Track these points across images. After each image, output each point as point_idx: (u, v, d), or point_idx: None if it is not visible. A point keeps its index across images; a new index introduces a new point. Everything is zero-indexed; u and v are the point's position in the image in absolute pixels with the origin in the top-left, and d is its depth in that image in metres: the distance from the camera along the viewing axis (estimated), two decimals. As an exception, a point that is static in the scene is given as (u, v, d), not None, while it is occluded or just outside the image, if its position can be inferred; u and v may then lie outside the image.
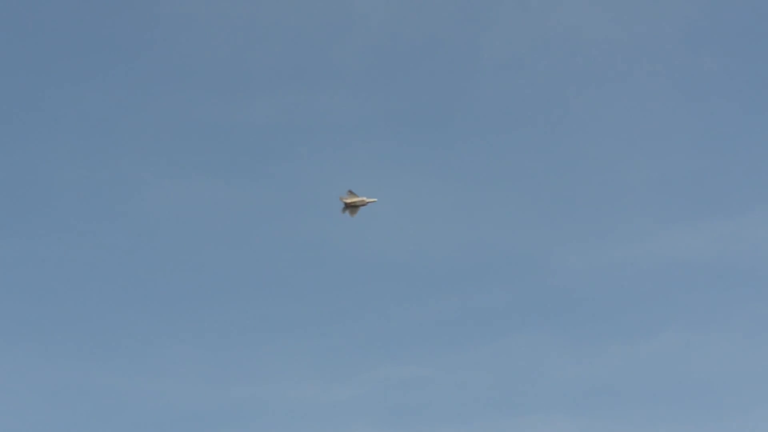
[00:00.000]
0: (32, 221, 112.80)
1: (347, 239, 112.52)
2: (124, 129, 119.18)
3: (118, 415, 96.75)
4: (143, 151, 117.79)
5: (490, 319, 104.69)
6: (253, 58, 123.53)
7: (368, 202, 71.30)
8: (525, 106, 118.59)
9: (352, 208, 70.68)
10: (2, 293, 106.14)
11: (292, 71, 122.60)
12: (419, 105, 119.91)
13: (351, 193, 70.18)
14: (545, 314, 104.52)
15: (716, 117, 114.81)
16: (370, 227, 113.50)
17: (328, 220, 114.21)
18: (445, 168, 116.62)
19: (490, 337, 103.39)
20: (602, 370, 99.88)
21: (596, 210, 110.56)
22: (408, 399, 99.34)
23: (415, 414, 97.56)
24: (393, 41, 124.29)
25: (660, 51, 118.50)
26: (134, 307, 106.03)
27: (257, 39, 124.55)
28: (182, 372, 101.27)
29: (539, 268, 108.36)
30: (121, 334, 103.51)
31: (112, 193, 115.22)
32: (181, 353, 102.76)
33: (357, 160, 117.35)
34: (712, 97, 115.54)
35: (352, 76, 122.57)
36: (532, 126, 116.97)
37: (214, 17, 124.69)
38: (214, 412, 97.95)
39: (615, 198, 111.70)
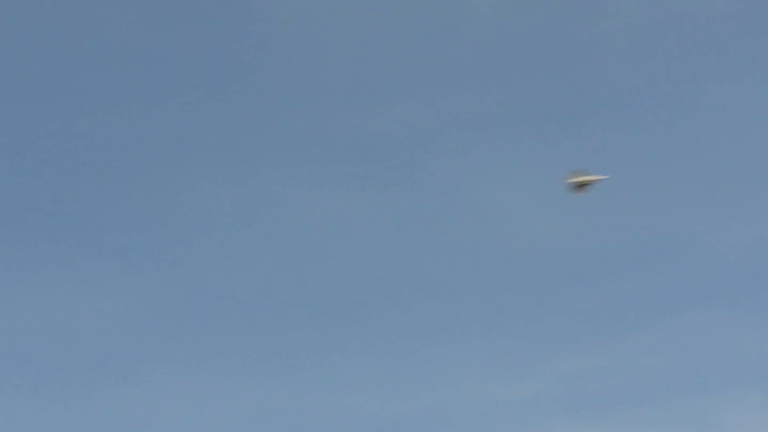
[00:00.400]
0: (178, 248, 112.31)
1: (496, 237, 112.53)
2: (255, 145, 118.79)
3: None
4: (278, 167, 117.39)
5: (655, 304, 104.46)
6: (371, 63, 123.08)
7: (597, 180, 70.29)
8: (652, 91, 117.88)
9: (581, 187, 69.73)
10: (165, 324, 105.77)
11: (414, 74, 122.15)
12: (546, 98, 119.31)
13: (580, 171, 69.35)
14: (712, 292, 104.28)
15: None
16: (514, 225, 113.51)
17: (471, 220, 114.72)
18: (570, 162, 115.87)
19: (658, 320, 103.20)
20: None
21: (748, 184, 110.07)
22: (589, 389, 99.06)
23: (599, 403, 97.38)
24: (510, 33, 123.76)
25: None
26: (296, 322, 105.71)
27: (372, 44, 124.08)
28: (355, 383, 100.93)
29: (699, 247, 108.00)
30: (287, 349, 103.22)
31: (253, 211, 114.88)
32: (350, 364, 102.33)
33: (490, 157, 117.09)
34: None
35: (474, 74, 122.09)
36: (665, 110, 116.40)
37: (324, 25, 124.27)
38: (397, 423, 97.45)
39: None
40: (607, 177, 71.76)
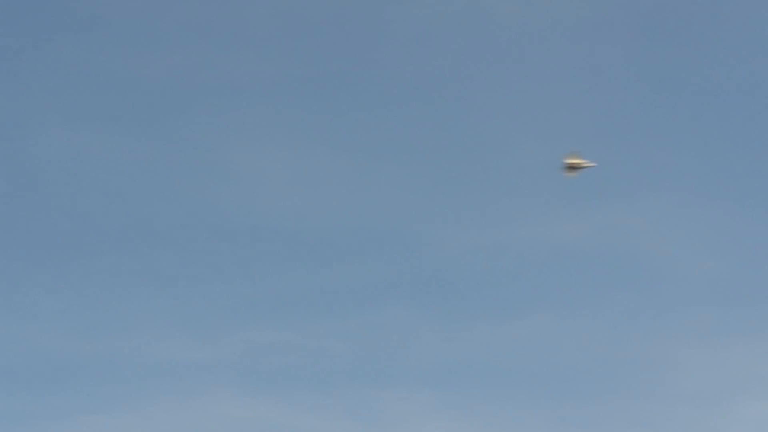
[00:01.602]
0: None
1: (233, 201, 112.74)
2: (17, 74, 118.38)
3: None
4: (38, 97, 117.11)
5: (363, 291, 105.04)
6: (156, 8, 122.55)
7: (587, 166, 74.23)
8: (428, 81, 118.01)
9: (572, 169, 73.83)
10: None
11: (200, 27, 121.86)
12: (326, 72, 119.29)
13: (575, 155, 73.33)
14: (419, 290, 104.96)
15: (612, 107, 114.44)
16: (259, 192, 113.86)
17: (217, 180, 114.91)
18: (341, 137, 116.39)
19: (360, 308, 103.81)
20: (469, 349, 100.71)
21: (483, 191, 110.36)
22: (271, 364, 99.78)
23: (278, 379, 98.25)
24: (305, 4, 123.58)
25: (566, 37, 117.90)
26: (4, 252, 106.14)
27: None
28: (49, 319, 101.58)
29: (419, 244, 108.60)
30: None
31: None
32: (50, 301, 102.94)
33: (253, 122, 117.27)
34: (609, 86, 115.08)
35: (260, 38, 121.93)
36: (431, 102, 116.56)
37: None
38: (75, 361, 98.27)
39: (504, 180, 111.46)
40: (595, 165, 73.77)
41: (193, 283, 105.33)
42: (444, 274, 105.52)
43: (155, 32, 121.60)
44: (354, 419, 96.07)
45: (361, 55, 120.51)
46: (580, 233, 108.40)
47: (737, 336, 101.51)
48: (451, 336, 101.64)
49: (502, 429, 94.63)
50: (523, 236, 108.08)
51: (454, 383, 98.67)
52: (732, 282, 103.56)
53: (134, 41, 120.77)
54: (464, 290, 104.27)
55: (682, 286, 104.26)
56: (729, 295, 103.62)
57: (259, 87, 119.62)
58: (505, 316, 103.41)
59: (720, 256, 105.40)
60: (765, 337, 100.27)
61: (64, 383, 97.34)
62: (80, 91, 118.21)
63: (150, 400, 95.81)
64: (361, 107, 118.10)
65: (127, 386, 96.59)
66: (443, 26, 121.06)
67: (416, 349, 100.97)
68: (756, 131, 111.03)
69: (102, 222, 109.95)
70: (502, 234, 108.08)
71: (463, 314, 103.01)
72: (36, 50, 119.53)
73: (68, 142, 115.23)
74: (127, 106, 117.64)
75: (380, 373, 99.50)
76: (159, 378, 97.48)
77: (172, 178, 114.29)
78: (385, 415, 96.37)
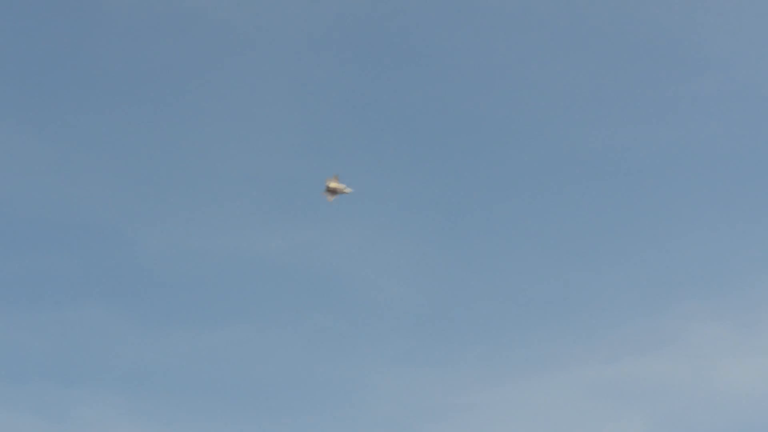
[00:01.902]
0: None
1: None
2: None
3: None
4: None
5: (60, 286, 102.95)
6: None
7: (345, 192, 75.01)
8: (145, 83, 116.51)
9: (332, 192, 74.70)
10: None
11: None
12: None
13: (335, 178, 74.21)
14: (120, 290, 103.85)
15: (326, 121, 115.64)
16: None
17: None
18: (53, 128, 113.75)
19: (56, 303, 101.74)
20: (166, 354, 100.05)
21: (193, 197, 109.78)
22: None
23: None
24: None
25: (287, 49, 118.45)
26: None
27: None
28: None
29: (123, 243, 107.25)
30: None
31: None
32: None
33: None
34: (323, 105, 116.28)
35: None
36: (148, 104, 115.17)
37: None
38: None
39: (213, 189, 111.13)
40: (352, 191, 73.94)
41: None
42: (146, 277, 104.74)
43: None
44: (40, 417, 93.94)
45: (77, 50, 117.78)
46: (283, 248, 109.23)
47: (427, 363, 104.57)
48: (149, 340, 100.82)
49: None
50: (228, 246, 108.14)
51: (147, 388, 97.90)
52: (426, 312, 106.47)
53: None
54: (166, 294, 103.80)
55: (379, 310, 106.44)
56: (422, 324, 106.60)
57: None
58: (204, 325, 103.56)
59: (416, 285, 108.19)
60: (452, 365, 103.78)
61: None
62: None
63: None
64: (73, 103, 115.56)
65: None
66: (155, 26, 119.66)
67: (111, 349, 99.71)
68: (459, 163, 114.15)
69: None
70: (207, 241, 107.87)
71: (163, 319, 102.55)
72: None
73: None
74: None
75: (71, 372, 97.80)
76: None
77: None
78: (73, 415, 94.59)
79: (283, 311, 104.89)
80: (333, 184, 74.80)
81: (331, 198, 75.89)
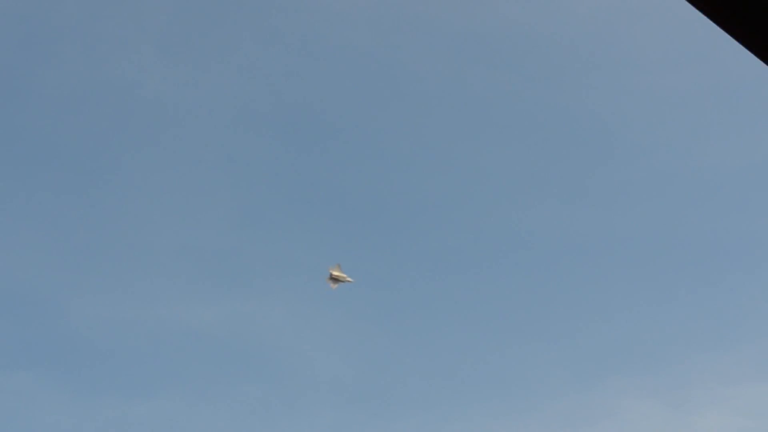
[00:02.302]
0: None
1: None
2: None
3: None
4: None
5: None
6: None
7: (348, 281, 76.75)
8: (78, 153, 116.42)
9: (334, 281, 76.37)
10: None
11: None
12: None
13: (338, 267, 76.24)
14: (48, 358, 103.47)
15: (257, 195, 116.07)
16: None
17: None
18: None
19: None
20: (92, 426, 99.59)
21: (122, 268, 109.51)
22: None
23: None
24: None
25: (218, 122, 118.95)
26: None
27: None
28: None
29: (54, 312, 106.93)
30: None
31: None
32: None
33: None
34: (254, 176, 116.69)
35: None
36: (81, 174, 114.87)
37: None
38: None
39: (144, 259, 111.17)
40: (353, 281, 76.03)
41: None
42: (77, 346, 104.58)
43: None
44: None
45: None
46: (215, 320, 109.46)
47: None
48: (78, 409, 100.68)
49: None
50: (159, 317, 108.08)
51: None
52: (359, 386, 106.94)
53: None
54: (96, 364, 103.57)
55: (312, 383, 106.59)
56: (355, 398, 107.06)
57: None
58: (134, 395, 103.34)
59: (349, 359, 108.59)
60: None
61: None
62: None
63: None
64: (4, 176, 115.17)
65: None
66: (87, 96, 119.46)
67: (40, 418, 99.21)
68: (391, 239, 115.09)
69: None
70: (139, 312, 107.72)
71: (92, 388, 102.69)
72: None
73: None
74: None
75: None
76: None
77: None
78: None
79: (214, 383, 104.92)
80: (336, 273, 76.16)
81: (334, 286, 76.94)
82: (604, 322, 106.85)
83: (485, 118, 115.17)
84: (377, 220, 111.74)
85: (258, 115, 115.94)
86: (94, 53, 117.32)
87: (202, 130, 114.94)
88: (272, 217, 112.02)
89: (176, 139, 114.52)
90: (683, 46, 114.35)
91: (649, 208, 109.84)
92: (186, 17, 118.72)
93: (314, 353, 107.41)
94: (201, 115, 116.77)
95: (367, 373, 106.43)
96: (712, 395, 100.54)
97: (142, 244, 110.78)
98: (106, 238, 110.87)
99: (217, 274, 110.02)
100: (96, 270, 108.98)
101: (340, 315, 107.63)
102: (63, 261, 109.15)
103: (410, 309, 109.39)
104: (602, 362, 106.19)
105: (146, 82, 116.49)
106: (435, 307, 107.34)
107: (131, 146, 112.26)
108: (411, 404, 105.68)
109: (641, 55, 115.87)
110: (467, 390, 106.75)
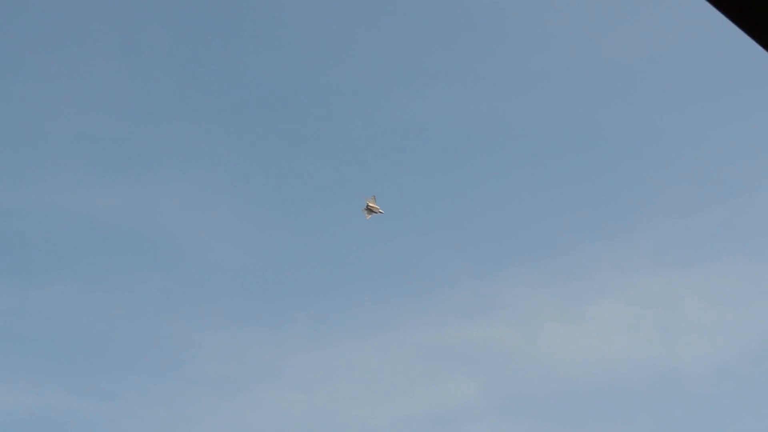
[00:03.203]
0: None
1: None
2: None
3: None
4: None
5: None
6: None
7: (380, 212, 79.08)
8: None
9: (369, 211, 78.95)
10: None
11: None
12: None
13: (374, 198, 78.80)
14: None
15: (156, 85, 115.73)
16: None
17: None
18: None
19: None
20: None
21: (18, 155, 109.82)
22: None
23: None
24: None
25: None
26: None
27: None
28: None
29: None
30: None
31: None
32: None
33: None
34: (149, 63, 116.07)
35: None
36: None
37: None
38: None
39: (40, 147, 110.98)
40: (383, 212, 78.08)
41: None
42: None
43: None
44: None
45: None
46: (112, 207, 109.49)
47: (257, 324, 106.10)
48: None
49: (11, 397, 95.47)
50: (56, 203, 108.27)
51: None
52: (256, 274, 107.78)
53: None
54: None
55: (208, 271, 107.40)
56: (251, 286, 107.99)
57: None
58: (29, 281, 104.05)
59: (246, 248, 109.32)
60: (282, 327, 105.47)
61: None
62: None
63: None
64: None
65: None
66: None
67: None
68: (290, 129, 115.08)
69: None
70: (34, 198, 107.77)
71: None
72: None
73: None
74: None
75: None
76: None
77: None
78: None
79: (112, 270, 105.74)
80: (372, 204, 78.89)
81: (368, 216, 79.42)
82: (499, 212, 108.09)
83: (377, 7, 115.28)
84: (274, 109, 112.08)
85: (158, 0, 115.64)
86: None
87: (100, 16, 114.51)
88: (170, 105, 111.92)
89: (73, 24, 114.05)
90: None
91: (543, 96, 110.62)
92: None
93: (212, 242, 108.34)
94: (99, 1, 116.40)
95: (263, 262, 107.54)
96: (605, 284, 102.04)
97: (38, 131, 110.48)
98: (0, 125, 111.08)
99: (115, 161, 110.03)
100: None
101: (238, 204, 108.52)
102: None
103: (306, 198, 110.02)
104: (498, 251, 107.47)
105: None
106: (331, 197, 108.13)
107: (26, 32, 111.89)
108: (307, 292, 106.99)
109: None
110: (363, 280, 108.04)
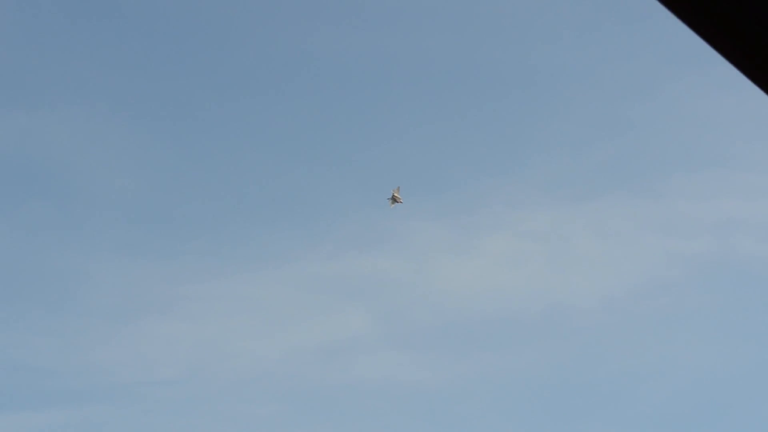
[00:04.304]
0: None
1: None
2: None
3: None
4: None
5: None
6: None
7: (401, 202, 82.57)
8: None
9: (393, 200, 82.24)
10: None
11: None
12: None
13: (398, 189, 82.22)
14: None
15: (36, 12, 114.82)
16: None
17: None
18: None
19: None
20: None
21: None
22: None
23: None
24: None
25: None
26: None
27: None
28: None
29: None
30: None
31: None
32: None
33: None
34: None
35: None
36: None
37: None
38: None
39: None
40: (403, 202, 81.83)
41: None
42: None
43: None
44: None
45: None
46: (1, 136, 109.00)
47: (148, 255, 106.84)
48: None
49: None
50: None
51: None
52: (148, 204, 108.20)
53: None
54: None
55: (99, 200, 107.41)
56: (144, 216, 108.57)
57: None
58: None
59: (138, 178, 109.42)
60: (175, 258, 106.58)
61: None
62: None
63: None
64: None
65: None
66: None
67: None
68: (185, 61, 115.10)
69: None
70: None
71: None
72: None
73: None
74: None
75: None
76: None
77: None
78: None
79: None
80: (396, 194, 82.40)
81: (392, 205, 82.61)
82: (392, 146, 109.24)
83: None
84: (170, 43, 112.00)
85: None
86: None
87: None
88: (59, 34, 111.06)
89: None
90: None
91: (436, 32, 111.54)
92: None
93: (103, 171, 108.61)
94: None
95: (157, 194, 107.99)
96: (496, 219, 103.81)
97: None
98: None
99: (6, 91, 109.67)
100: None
101: (133, 135, 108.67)
102: None
103: (200, 131, 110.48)
104: (390, 185, 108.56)
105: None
106: (225, 130, 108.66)
107: None
108: (200, 223, 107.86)
109: None
110: (256, 212, 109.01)
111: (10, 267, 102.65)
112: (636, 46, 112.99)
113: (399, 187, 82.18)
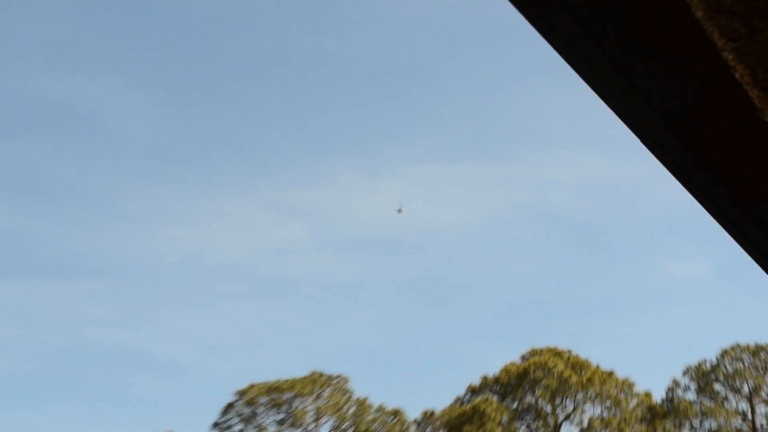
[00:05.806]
0: None
1: None
2: None
3: None
4: None
5: None
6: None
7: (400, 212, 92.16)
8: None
9: (399, 211, 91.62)
10: None
11: None
12: None
13: (402, 206, 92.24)
14: None
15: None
16: None
17: None
18: None
19: None
20: None
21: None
22: None
23: None
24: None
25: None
26: None
27: None
28: None
29: None
30: None
31: None
32: None
33: None
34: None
35: None
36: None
37: None
38: None
39: None
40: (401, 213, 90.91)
41: None
42: None
43: None
44: None
45: None
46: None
47: (157, 178, 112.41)
48: None
49: None
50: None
51: None
52: (156, 141, 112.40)
53: None
54: None
55: (125, 138, 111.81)
56: (153, 149, 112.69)
57: None
58: None
59: (150, 121, 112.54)
60: (177, 183, 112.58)
61: None
62: None
63: None
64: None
65: None
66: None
67: None
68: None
69: None
70: None
71: None
72: None
73: None
74: None
75: None
76: None
77: None
78: None
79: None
80: (400, 208, 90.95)
81: (399, 212, 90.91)
82: (332, 117, 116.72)
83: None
84: (183, 30, 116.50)
85: None
86: None
87: None
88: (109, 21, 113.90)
89: None
90: None
91: (331, 33, 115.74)
92: None
93: (128, 118, 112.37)
94: None
95: (165, 135, 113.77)
96: (397, 170, 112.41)
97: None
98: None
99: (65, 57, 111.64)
100: None
101: (148, 94, 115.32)
102: None
103: (198, 92, 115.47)
104: (328, 145, 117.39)
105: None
106: (223, 94, 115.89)
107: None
108: (194, 160, 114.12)
109: None
110: (235, 154, 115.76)
111: (64, 183, 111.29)
112: (496, 56, 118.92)
113: (402, 204, 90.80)
